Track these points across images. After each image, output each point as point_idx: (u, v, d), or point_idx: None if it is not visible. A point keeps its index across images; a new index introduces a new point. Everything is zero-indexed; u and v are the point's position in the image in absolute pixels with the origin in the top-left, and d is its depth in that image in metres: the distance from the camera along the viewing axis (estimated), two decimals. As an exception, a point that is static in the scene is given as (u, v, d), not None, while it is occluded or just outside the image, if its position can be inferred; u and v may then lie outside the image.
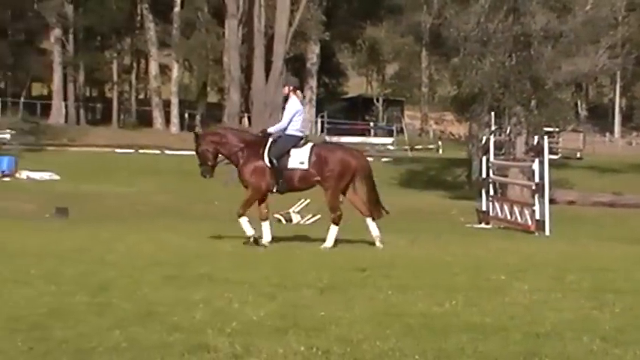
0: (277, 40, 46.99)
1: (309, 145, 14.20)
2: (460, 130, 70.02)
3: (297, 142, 14.11)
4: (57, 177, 38.93)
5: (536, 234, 20.31)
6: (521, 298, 8.89)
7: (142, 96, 77.44)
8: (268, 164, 13.94)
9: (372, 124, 72.60)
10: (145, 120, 69.53)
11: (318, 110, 70.63)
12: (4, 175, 37.63)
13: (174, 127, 67.85)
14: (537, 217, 20.81)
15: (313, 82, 71.00)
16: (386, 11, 71.14)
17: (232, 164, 14.42)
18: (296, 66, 69.40)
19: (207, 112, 69.55)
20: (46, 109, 67.49)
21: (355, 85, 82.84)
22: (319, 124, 69.93)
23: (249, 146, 14.14)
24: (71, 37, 68.03)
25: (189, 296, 8.72)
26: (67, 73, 68.65)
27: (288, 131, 14.14)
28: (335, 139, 62.62)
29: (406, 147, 62.75)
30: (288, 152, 13.95)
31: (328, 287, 9.40)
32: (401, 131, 69.43)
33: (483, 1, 35.80)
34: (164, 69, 72.16)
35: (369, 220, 14.12)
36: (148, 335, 6.93)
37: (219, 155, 14.33)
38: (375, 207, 14.25)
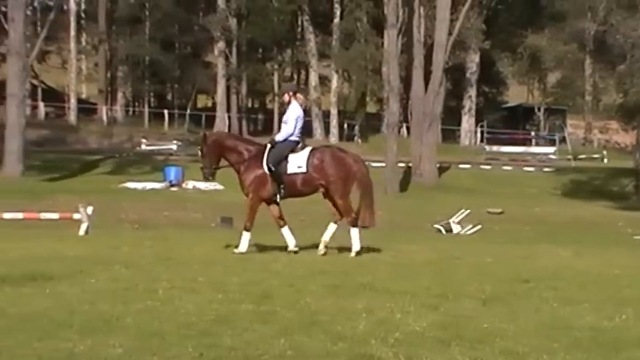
0: (437, 50, 46.84)
1: (308, 149, 14.16)
2: (626, 139, 67.91)
3: (294, 147, 14.10)
4: (221, 187, 39.76)
5: None
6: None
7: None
8: (268, 171, 13.93)
9: (533, 133, 71.33)
10: (305, 130, 70.38)
11: (478, 120, 69.90)
12: (172, 185, 38.77)
13: (334, 138, 68.45)
14: None
15: (473, 92, 70.32)
16: (548, 19, 69.69)
17: (234, 170, 14.34)
18: (455, 75, 68.96)
19: (366, 122, 69.88)
20: (210, 121, 69.35)
21: (515, 94, 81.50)
22: (479, 134, 69.20)
23: (252, 154, 14.10)
24: (234, 49, 69.73)
25: (351, 306, 8.78)
26: (230, 85, 70.37)
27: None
28: (495, 148, 61.90)
29: (569, 156, 61.29)
30: (286, 158, 13.95)
31: (491, 298, 9.29)
32: (563, 140, 67.88)
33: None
34: (324, 80, 72.93)
35: (353, 230, 14.03)
36: (312, 344, 7.01)
37: (223, 160, 14.34)
38: (367, 213, 14.13)
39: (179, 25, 71.67)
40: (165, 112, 68.90)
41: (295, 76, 76.90)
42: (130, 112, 71.05)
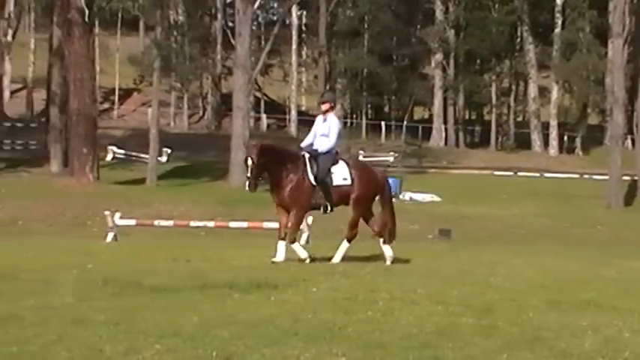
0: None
1: (342, 161, 13.94)
2: None
3: (336, 159, 13.88)
4: (438, 199, 39.76)
5: None
6: None
7: (520, 118, 77.29)
8: (315, 183, 13.54)
9: None
10: (523, 142, 69.27)
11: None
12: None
13: (553, 150, 66.96)
14: None
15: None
16: None
17: (271, 181, 13.67)
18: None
19: (587, 134, 67.91)
20: (427, 132, 69.45)
21: None
22: None
23: (292, 165, 13.63)
24: (452, 61, 69.55)
25: (575, 322, 8.55)
26: (447, 96, 70.22)
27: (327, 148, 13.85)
28: None
29: None
30: (329, 170, 13.68)
31: None
32: None
33: None
34: (543, 91, 71.50)
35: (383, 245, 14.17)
36: (536, 360, 6.88)
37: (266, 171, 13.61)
38: (393, 228, 14.30)
39: (397, 37, 72.31)
40: (383, 123, 69.54)
41: (513, 87, 75.81)
42: (348, 124, 72.23)
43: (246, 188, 13.56)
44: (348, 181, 13.76)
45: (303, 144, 13.99)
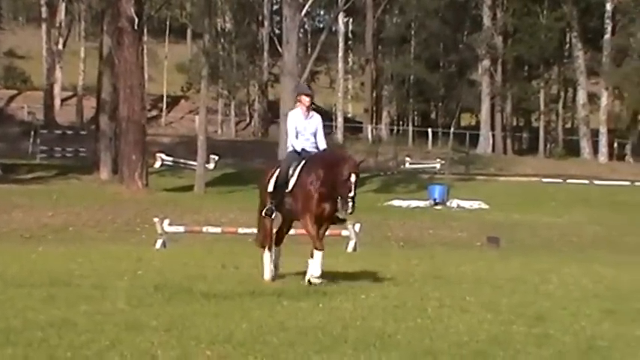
0: None
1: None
2: None
3: None
4: (486, 206, 39.46)
5: None
6: None
7: (568, 125, 76.63)
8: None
9: None
10: (572, 149, 68.67)
11: None
12: (437, 204, 38.84)
13: (603, 157, 66.26)
14: None
15: None
16: None
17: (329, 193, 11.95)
18: None
19: (638, 140, 67.13)
20: (474, 139, 69.09)
21: None
22: None
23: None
24: (499, 67, 69.17)
25: (630, 332, 8.46)
26: (495, 103, 69.82)
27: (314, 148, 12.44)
28: None
29: None
30: None
31: None
32: None
33: None
34: (592, 97, 70.85)
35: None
36: (590, 370, 6.81)
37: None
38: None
39: (444, 44, 72.10)
40: (429, 130, 69.33)
41: (562, 94, 75.20)
42: (395, 131, 72.06)
43: (350, 211, 11.63)
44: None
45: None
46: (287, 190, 12.07)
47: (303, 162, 12.08)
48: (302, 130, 12.40)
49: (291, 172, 12.09)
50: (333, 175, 11.65)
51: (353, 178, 11.54)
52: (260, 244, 12.91)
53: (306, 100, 12.59)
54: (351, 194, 11.51)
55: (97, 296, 10.21)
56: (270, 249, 12.55)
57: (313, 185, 11.81)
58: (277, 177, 12.23)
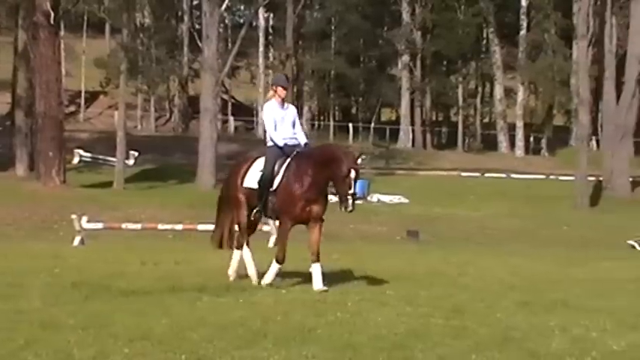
0: (630, 61, 45.42)
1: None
2: None
3: None
4: (406, 200, 39.83)
5: None
6: None
7: (486, 119, 77.70)
8: None
9: None
10: (489, 143, 69.65)
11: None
12: (357, 198, 39.09)
13: (519, 151, 67.34)
14: None
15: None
16: None
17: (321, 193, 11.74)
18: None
19: (553, 135, 68.42)
20: (394, 134, 69.60)
21: None
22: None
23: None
24: (419, 62, 69.77)
25: (543, 322, 8.62)
26: (415, 98, 70.44)
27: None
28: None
29: None
30: None
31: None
32: None
33: None
34: (509, 92, 71.93)
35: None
36: (506, 361, 6.93)
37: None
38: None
39: (365, 39, 72.41)
40: (350, 125, 69.63)
41: (480, 89, 76.23)
42: (316, 126, 72.21)
43: (350, 208, 11.26)
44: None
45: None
46: (271, 189, 11.51)
47: (289, 159, 11.58)
48: (280, 120, 11.94)
49: (276, 169, 11.56)
50: (330, 173, 11.21)
51: (353, 174, 11.17)
52: (217, 244, 12.44)
53: (282, 91, 12.12)
54: (351, 191, 11.17)
55: (13, 294, 10.03)
56: (248, 244, 12.07)
57: (300, 188, 11.34)
58: (261, 174, 11.63)
